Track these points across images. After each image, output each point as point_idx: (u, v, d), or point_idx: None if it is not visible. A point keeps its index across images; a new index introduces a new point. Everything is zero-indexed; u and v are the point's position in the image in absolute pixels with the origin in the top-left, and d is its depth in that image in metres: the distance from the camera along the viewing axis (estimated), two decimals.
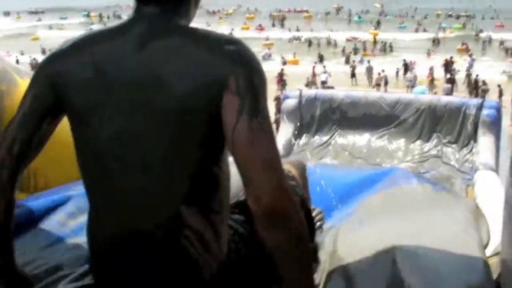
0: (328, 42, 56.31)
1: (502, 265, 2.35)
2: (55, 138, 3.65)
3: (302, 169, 2.69)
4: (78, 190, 3.08)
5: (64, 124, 3.46)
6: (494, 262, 2.68)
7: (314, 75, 37.20)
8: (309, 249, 1.70)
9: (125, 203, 1.83)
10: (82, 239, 2.67)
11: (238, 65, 1.70)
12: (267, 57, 45.55)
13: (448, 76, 35.46)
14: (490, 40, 55.84)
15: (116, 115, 1.79)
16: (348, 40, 55.29)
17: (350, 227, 2.89)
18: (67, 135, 3.70)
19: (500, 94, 31.05)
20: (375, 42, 54.14)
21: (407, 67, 41.08)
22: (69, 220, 2.90)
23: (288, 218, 1.61)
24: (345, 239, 2.75)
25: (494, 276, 2.47)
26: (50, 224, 2.85)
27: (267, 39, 57.93)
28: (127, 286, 1.89)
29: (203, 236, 1.84)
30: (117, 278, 1.90)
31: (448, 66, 39.14)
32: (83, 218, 2.88)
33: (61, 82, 1.87)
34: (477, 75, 35.02)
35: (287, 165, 2.52)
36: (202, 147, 1.78)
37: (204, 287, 1.89)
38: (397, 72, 39.48)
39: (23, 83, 3.51)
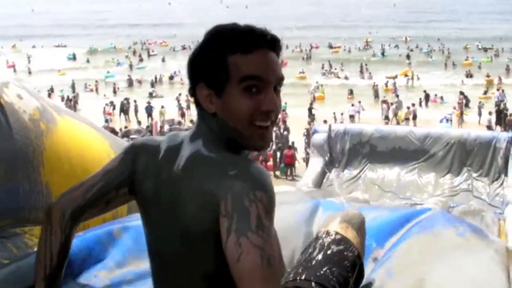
0: (363, 77, 55.88)
1: None
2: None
3: (360, 223, 2.62)
4: (116, 242, 3.11)
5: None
6: None
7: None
8: None
9: None
10: None
11: (228, 190, 1.69)
12: (316, 89, 45.67)
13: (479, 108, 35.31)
14: None
15: (157, 217, 1.93)
16: (387, 78, 54.56)
17: (380, 279, 2.82)
18: None
19: None
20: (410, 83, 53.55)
21: (428, 98, 41.59)
22: (107, 273, 2.91)
23: None
24: None
25: None
26: (87, 277, 2.85)
27: (302, 72, 58.04)
28: None
29: None
30: None
31: (463, 101, 39.10)
32: (120, 271, 2.94)
33: (136, 168, 2.00)
34: (504, 108, 34.73)
35: (342, 224, 2.50)
36: (213, 268, 1.82)
37: None
38: (420, 103, 39.35)
39: (62, 121, 3.57)
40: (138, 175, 1.99)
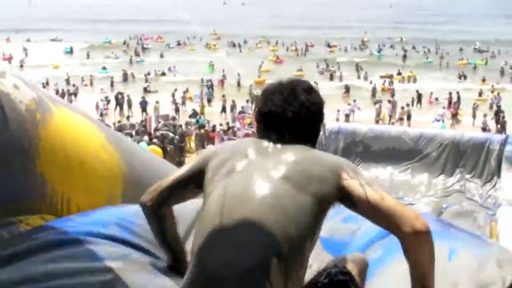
0: (358, 78, 55.80)
1: None
2: (90, 171, 3.76)
3: (364, 266, 2.90)
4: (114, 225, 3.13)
5: (103, 159, 3.56)
6: None
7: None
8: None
9: (226, 248, 2.27)
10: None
11: (342, 164, 2.44)
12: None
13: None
14: None
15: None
16: (382, 77, 54.24)
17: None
18: (103, 171, 3.82)
19: None
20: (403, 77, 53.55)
21: (420, 97, 41.76)
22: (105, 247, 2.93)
23: (424, 236, 2.24)
24: None
25: None
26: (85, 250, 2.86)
27: (300, 69, 57.97)
28: None
29: None
30: None
31: (451, 100, 39.17)
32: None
33: (210, 157, 2.57)
34: (499, 110, 34.88)
35: (349, 263, 2.76)
36: (307, 221, 2.30)
37: None
38: (412, 103, 39.26)
39: (58, 112, 3.56)
40: (209, 172, 2.50)
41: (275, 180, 2.35)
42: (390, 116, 35.87)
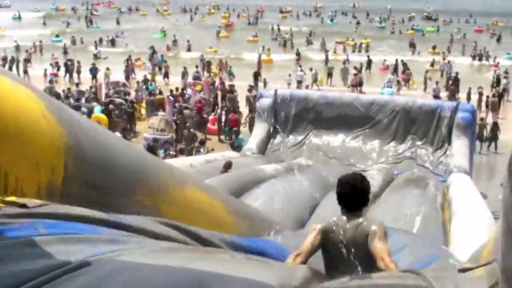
0: (309, 43, 55.98)
1: (504, 274, 2.30)
2: (30, 142, 3.58)
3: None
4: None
5: (44, 129, 3.36)
6: (485, 272, 2.75)
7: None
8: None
9: None
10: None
11: (373, 226, 4.39)
12: (263, 52, 45.44)
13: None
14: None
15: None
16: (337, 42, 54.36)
17: None
18: (44, 141, 3.64)
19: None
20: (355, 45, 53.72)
21: (370, 63, 42.16)
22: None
23: (390, 258, 4.15)
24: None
25: (485, 284, 2.55)
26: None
27: (255, 36, 58.22)
28: None
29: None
30: None
31: (397, 67, 39.51)
32: None
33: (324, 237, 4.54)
34: (449, 77, 35.22)
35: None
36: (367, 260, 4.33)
37: None
38: (361, 68, 39.22)
39: None
40: (328, 238, 4.52)
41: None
42: (354, 85, 35.67)
